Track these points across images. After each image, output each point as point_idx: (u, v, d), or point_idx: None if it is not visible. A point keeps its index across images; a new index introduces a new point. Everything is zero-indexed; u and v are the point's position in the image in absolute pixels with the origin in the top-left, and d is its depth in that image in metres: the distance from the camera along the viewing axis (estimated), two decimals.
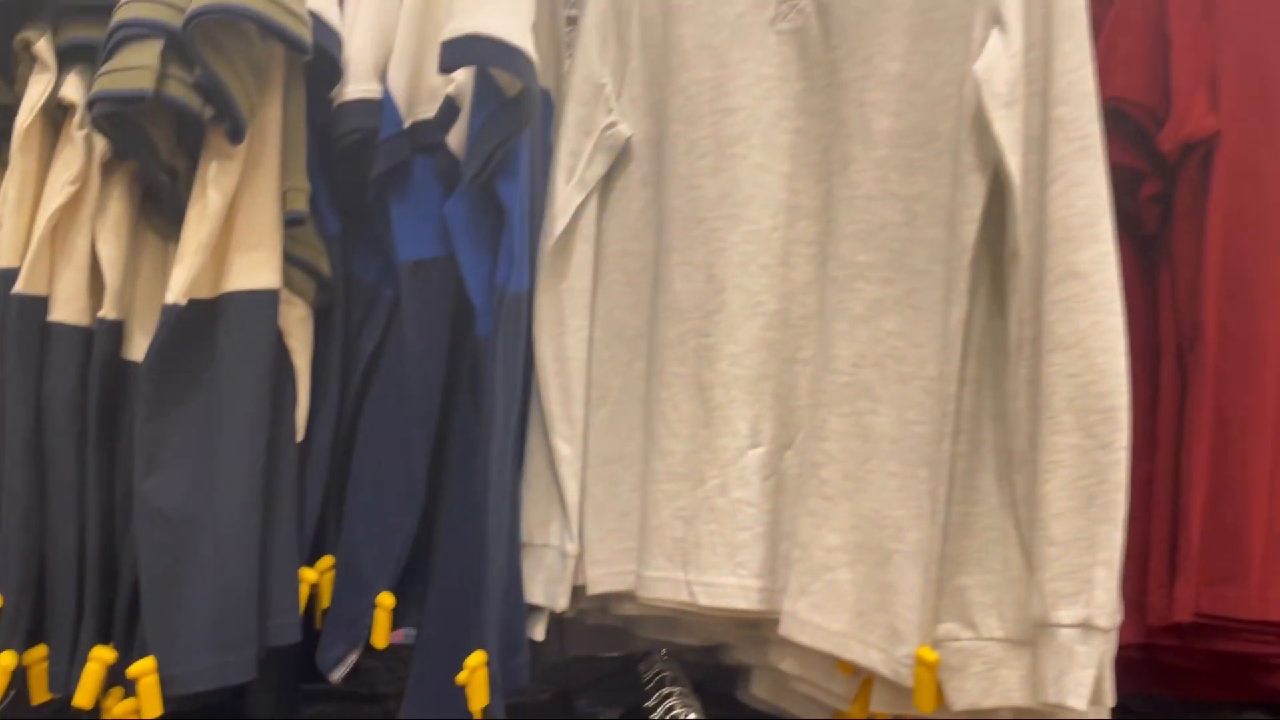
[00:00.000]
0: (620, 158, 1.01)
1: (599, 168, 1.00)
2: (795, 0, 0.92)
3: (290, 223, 0.87)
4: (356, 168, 0.94)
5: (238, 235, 0.85)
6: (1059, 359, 0.74)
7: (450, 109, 0.91)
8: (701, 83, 0.95)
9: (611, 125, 1.00)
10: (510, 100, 0.85)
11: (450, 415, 0.95)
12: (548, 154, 1.00)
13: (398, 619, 0.94)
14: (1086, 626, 0.70)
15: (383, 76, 0.93)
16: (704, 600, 0.87)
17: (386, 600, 0.91)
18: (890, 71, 0.87)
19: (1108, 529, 0.70)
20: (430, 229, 0.91)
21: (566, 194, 0.99)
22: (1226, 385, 0.92)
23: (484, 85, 0.86)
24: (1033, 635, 0.73)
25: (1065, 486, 0.72)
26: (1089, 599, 0.70)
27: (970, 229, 0.79)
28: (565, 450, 0.96)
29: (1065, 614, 0.71)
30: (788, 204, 0.91)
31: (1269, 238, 0.93)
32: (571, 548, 0.95)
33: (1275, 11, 0.95)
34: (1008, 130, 0.76)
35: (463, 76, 0.90)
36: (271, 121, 0.85)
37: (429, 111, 0.92)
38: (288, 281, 0.89)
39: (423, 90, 0.93)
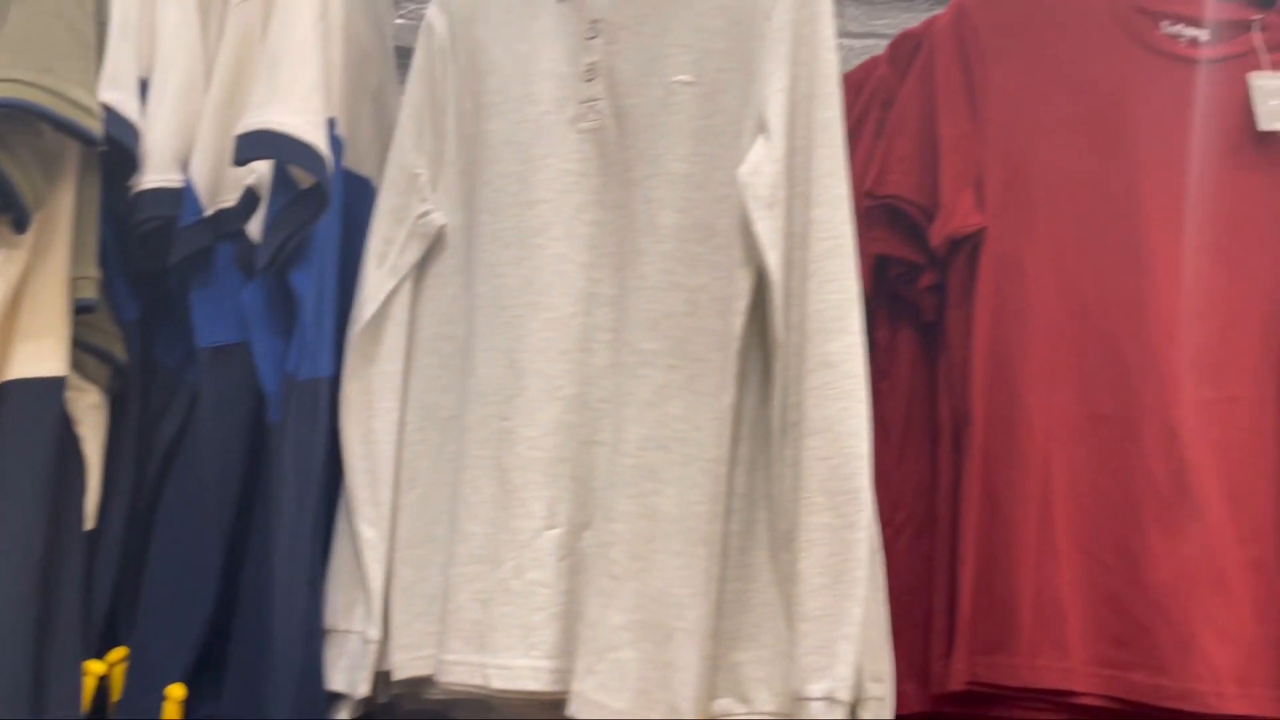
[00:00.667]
0: (435, 245, 1.04)
1: (412, 254, 1.02)
2: (594, 101, 0.97)
3: (80, 310, 0.86)
4: (158, 254, 0.95)
5: (22, 323, 0.84)
6: (813, 443, 0.78)
7: (250, 198, 0.92)
8: (507, 176, 0.99)
9: (425, 214, 1.03)
10: (303, 192, 0.87)
11: (251, 502, 0.94)
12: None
13: (191, 710, 0.92)
14: (830, 700, 0.74)
15: (186, 164, 0.94)
16: (497, 683, 0.88)
17: (176, 692, 0.89)
18: (675, 171, 0.92)
19: (849, 604, 0.75)
20: (230, 315, 0.92)
21: (377, 279, 1.01)
22: (994, 464, 0.99)
23: (280, 177, 0.88)
24: (794, 708, 0.77)
25: (818, 564, 0.76)
26: (834, 672, 0.74)
27: (738, 320, 0.84)
28: (369, 534, 0.97)
29: (815, 687, 0.74)
30: (587, 292, 0.95)
31: (1031, 326, 1.01)
32: (374, 633, 0.95)
33: (1034, 117, 1.04)
34: (768, 229, 0.82)
35: (264, 166, 0.92)
36: (62, 210, 0.86)
37: (232, 200, 0.94)
38: (80, 368, 0.88)
39: (227, 179, 0.95)
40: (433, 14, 1.07)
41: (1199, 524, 0.97)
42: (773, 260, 0.82)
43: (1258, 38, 1.06)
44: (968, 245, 1.02)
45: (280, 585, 0.86)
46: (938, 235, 1.01)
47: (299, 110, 0.85)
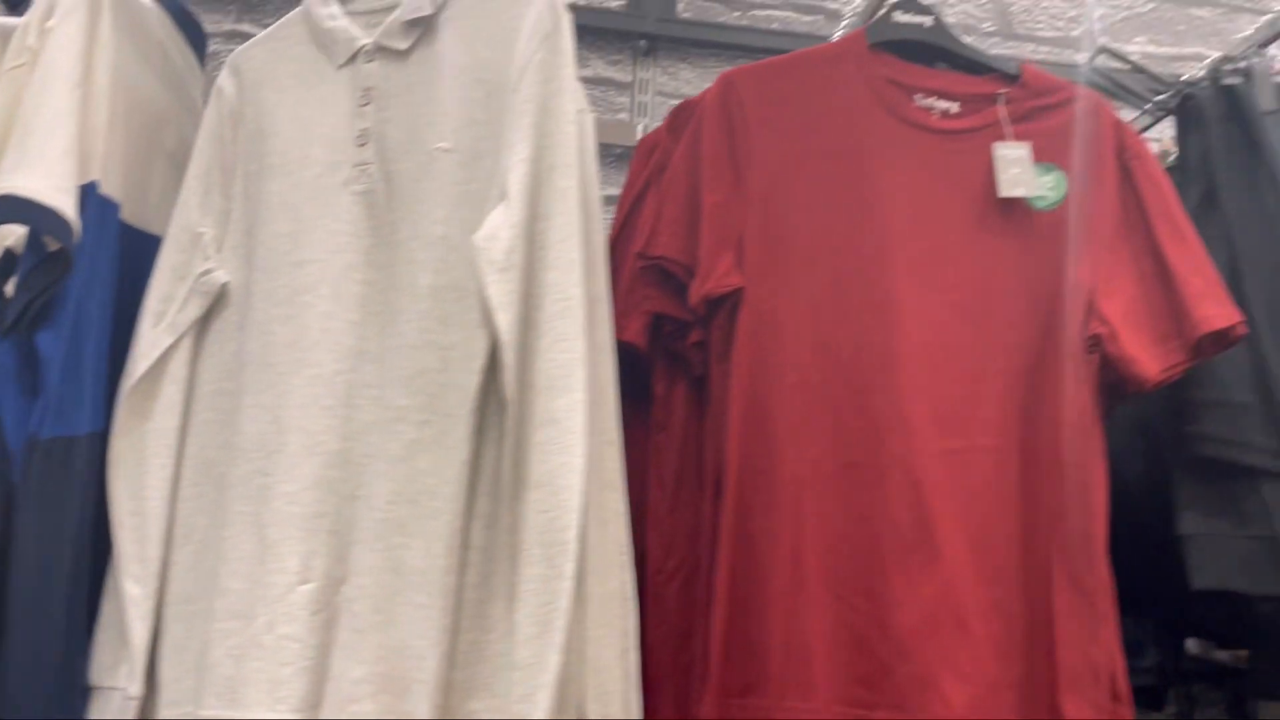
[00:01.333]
0: (219, 302, 1.05)
1: (193, 311, 1.04)
2: (366, 165, 1.01)
3: None
4: None
5: None
6: (533, 496, 0.82)
7: (9, 259, 0.93)
8: (281, 236, 1.01)
9: (207, 272, 1.04)
10: (51, 255, 0.89)
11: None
12: None
13: None
14: None
15: None
16: None
17: None
18: (433, 234, 0.96)
19: (552, 653, 0.78)
20: None
21: (152, 337, 1.02)
22: (748, 511, 1.03)
23: (33, 239, 0.90)
24: None
25: (531, 614, 0.79)
26: None
27: (476, 378, 0.87)
28: (135, 591, 0.97)
29: None
30: (355, 349, 0.97)
31: (787, 380, 1.06)
32: (135, 689, 0.95)
33: (794, 184, 1.10)
34: (499, 292, 0.86)
35: (22, 229, 0.93)
36: None
37: None
38: None
39: None
40: (224, 78, 1.10)
41: (939, 567, 1.02)
42: (503, 321, 0.86)
43: (1002, 110, 1.14)
44: (728, 304, 1.07)
45: (18, 646, 0.86)
46: (695, 295, 1.06)
47: (46, 175, 0.87)
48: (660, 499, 1.12)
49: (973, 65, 1.18)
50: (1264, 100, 1.19)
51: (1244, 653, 1.31)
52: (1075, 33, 1.91)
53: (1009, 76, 1.16)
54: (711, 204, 1.08)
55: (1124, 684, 1.01)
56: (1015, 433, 1.08)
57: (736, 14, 1.83)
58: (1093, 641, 1.01)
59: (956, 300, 1.10)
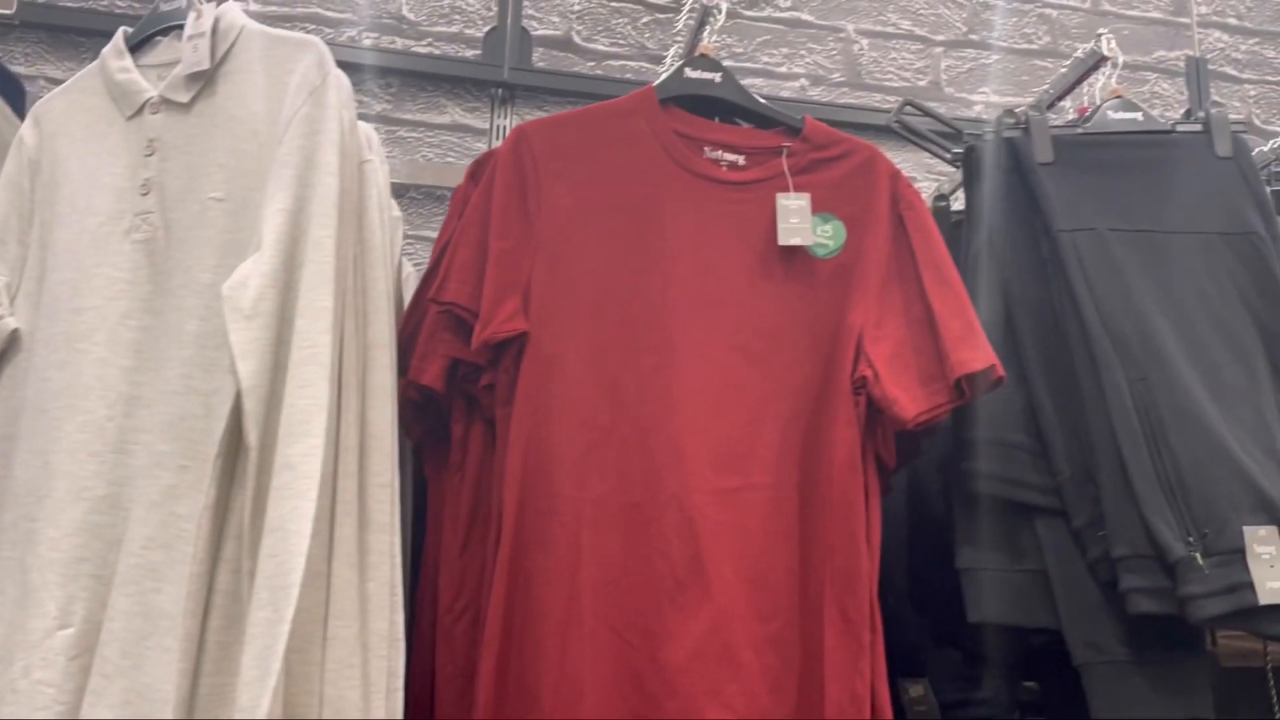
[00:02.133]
0: (10, 349, 1.07)
1: None
2: (148, 214, 1.03)
3: None
4: None
5: None
6: (268, 541, 0.84)
7: None
8: (63, 283, 1.03)
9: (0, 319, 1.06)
10: None
11: None
12: None
13: None
14: None
15: None
16: None
17: None
18: (202, 281, 0.98)
19: (265, 696, 0.79)
20: None
21: None
22: (525, 551, 1.06)
23: None
24: None
25: (254, 658, 0.81)
26: None
27: (220, 424, 0.89)
28: None
29: None
30: (128, 395, 0.99)
31: (571, 421, 1.09)
32: None
33: (583, 233, 1.14)
34: (244, 339, 0.88)
35: None
36: None
37: None
38: None
39: None
40: (26, 127, 1.13)
41: (710, 603, 1.05)
42: (244, 368, 0.88)
43: (785, 162, 1.19)
44: (513, 348, 1.11)
45: None
46: (476, 339, 1.09)
47: None
48: (453, 539, 1.14)
49: (761, 119, 1.23)
50: (1040, 153, 1.25)
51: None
52: (923, 83, 1.99)
53: (793, 130, 1.21)
54: (498, 250, 1.11)
55: (885, 713, 1.05)
56: (792, 471, 1.12)
57: (591, 64, 1.88)
58: (855, 673, 1.04)
59: (739, 343, 1.14)
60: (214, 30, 1.05)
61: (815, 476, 1.11)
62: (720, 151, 1.20)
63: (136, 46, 1.12)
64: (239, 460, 0.90)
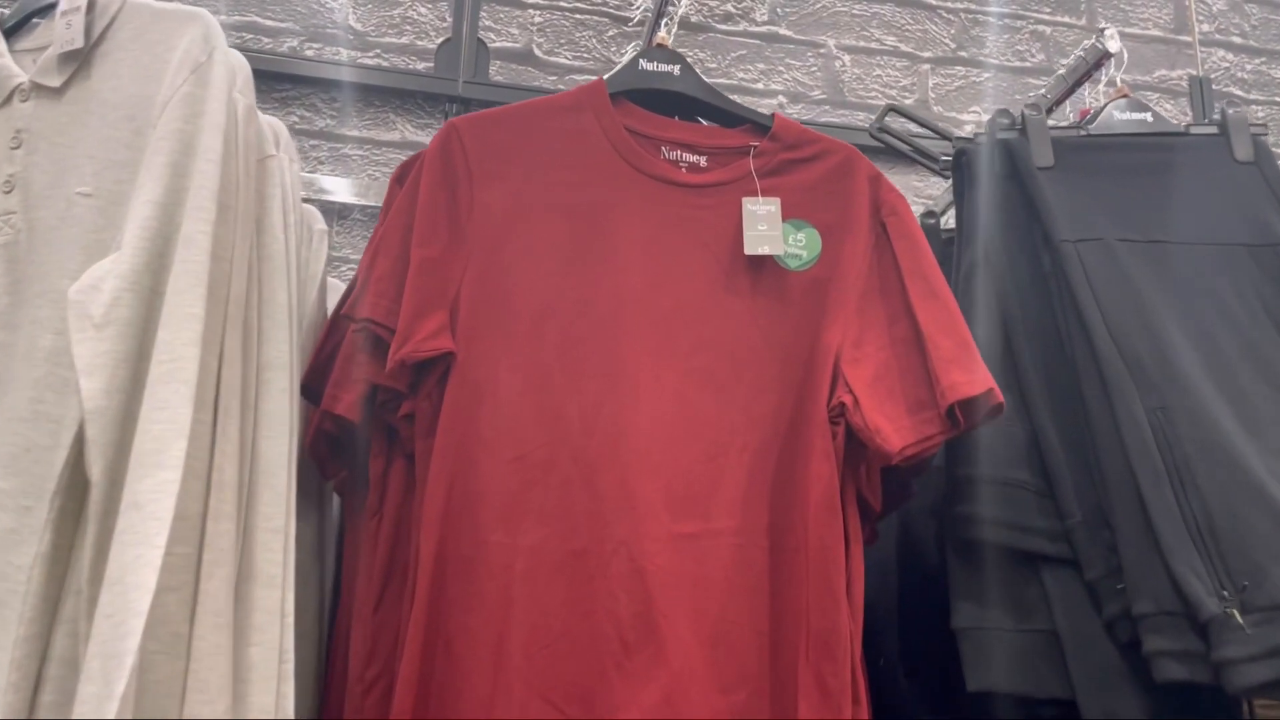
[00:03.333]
0: None
1: None
2: (10, 215, 0.89)
3: None
4: None
5: None
6: (105, 597, 0.68)
7: None
8: None
9: None
10: None
11: None
12: None
13: None
14: None
15: None
16: None
17: None
18: (62, 289, 0.83)
19: None
20: None
21: None
22: (448, 608, 0.90)
23: None
24: None
25: None
26: None
27: (61, 454, 0.74)
28: None
29: None
30: None
31: (503, 456, 0.94)
32: None
33: (521, 241, 1.00)
34: (91, 352, 0.73)
35: None
36: None
37: None
38: None
39: None
40: None
41: (663, 669, 0.89)
42: (89, 386, 0.73)
43: (753, 163, 1.05)
44: (438, 371, 0.96)
45: None
46: (391, 359, 0.94)
47: None
48: (367, 595, 0.98)
49: (725, 116, 1.09)
50: (1039, 156, 1.12)
51: None
52: (909, 100, 1.86)
53: (761, 128, 1.08)
54: (422, 259, 0.97)
55: None
56: (761, 514, 0.97)
57: (553, 77, 1.76)
58: None
59: (699, 367, 0.99)
60: (90, 5, 0.91)
61: (788, 520, 0.96)
62: (679, 151, 1.06)
63: (11, 31, 0.98)
64: (85, 498, 0.75)
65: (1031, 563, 1.01)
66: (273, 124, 1.00)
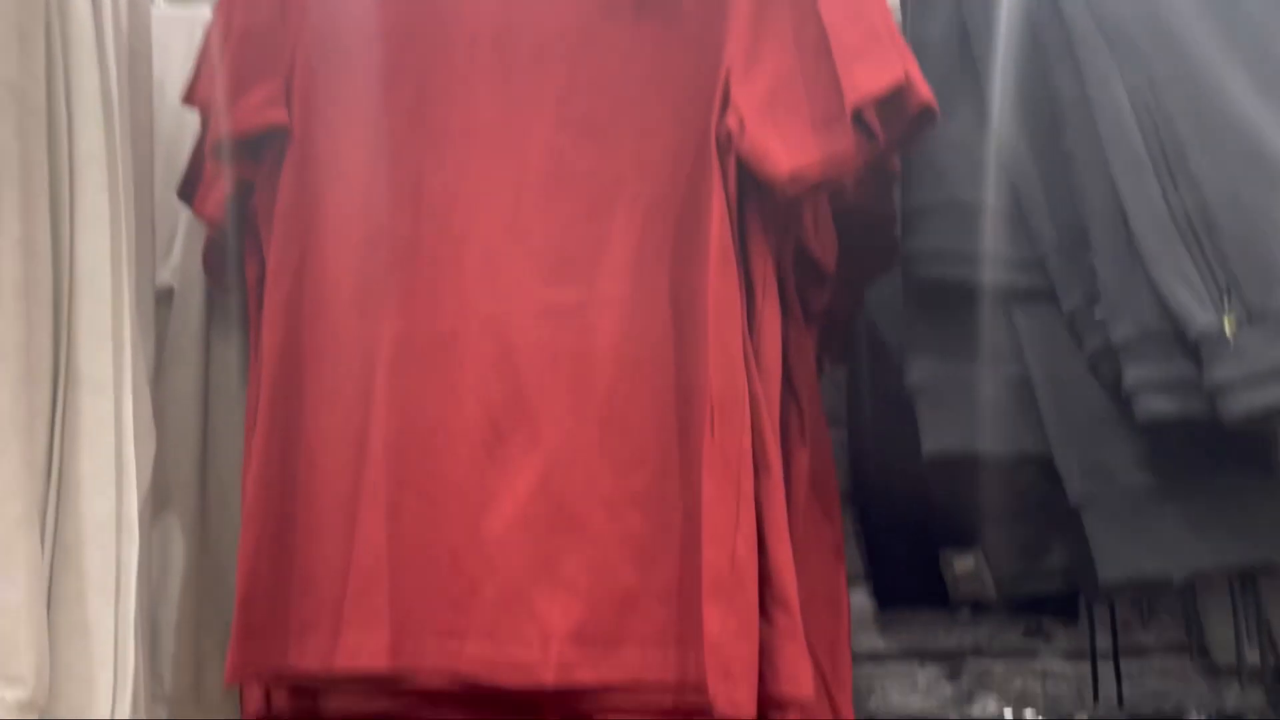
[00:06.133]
0: None
1: None
2: None
3: None
4: None
5: None
6: None
7: None
8: None
9: None
10: None
11: None
12: None
13: None
14: None
15: None
16: None
17: None
18: None
19: None
20: None
21: None
22: (295, 407, 0.82)
23: None
24: None
25: None
26: None
27: None
28: None
29: None
30: None
31: (350, 235, 0.84)
32: None
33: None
34: None
35: None
36: None
37: None
38: None
39: None
40: None
41: (537, 454, 0.79)
42: None
43: None
44: (274, 149, 0.85)
45: None
46: (210, 139, 0.84)
47: None
48: (249, 412, 0.91)
49: None
50: None
51: None
52: None
53: None
54: (245, 26, 0.85)
55: (786, 585, 0.76)
56: (659, 278, 0.83)
57: None
58: (735, 530, 0.75)
59: (575, 114, 0.84)
60: None
61: (691, 282, 0.82)
62: None
63: None
64: None
65: (1001, 303, 0.83)
66: None
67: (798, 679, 0.75)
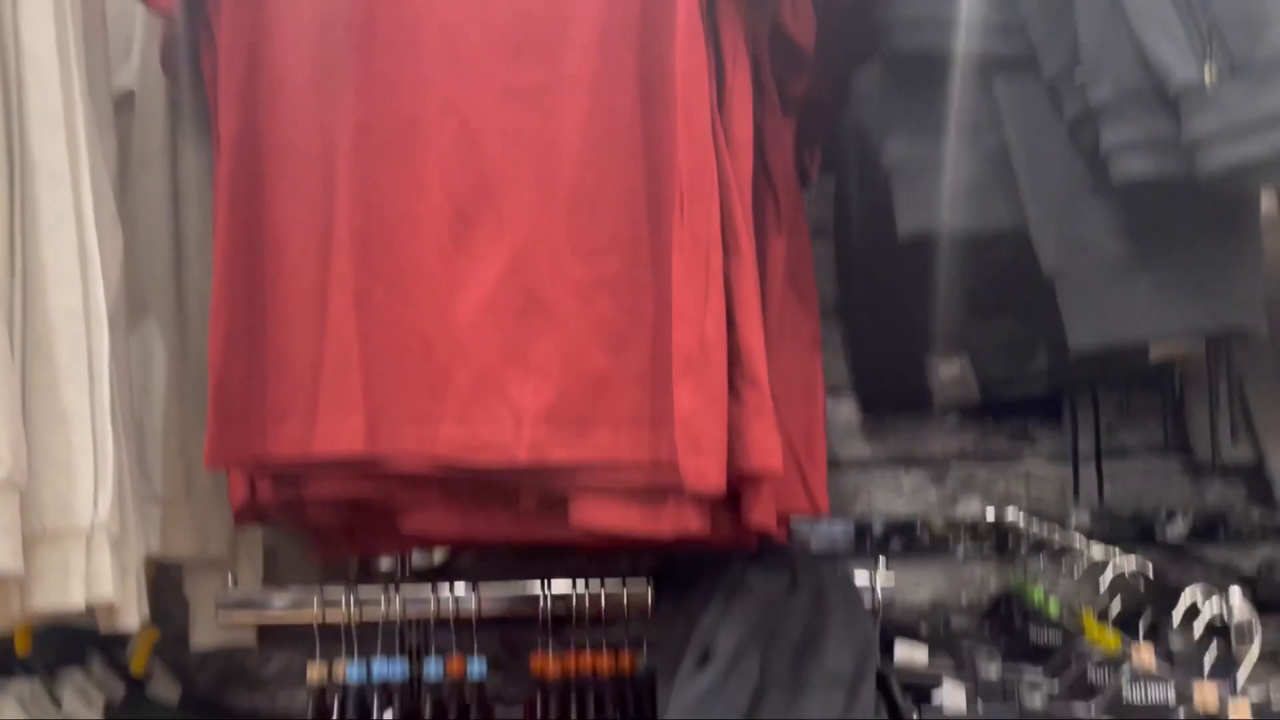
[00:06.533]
0: None
1: None
2: None
3: None
4: None
5: None
6: None
7: None
8: None
9: None
10: None
11: None
12: None
13: None
14: None
15: None
16: None
17: None
18: None
19: None
20: None
21: None
22: (261, 194, 0.81)
23: None
24: None
25: None
26: None
27: None
28: None
29: None
30: None
31: (304, 17, 0.80)
32: None
33: None
34: None
35: None
36: None
37: None
38: None
39: None
40: None
41: (505, 239, 0.78)
42: None
43: None
44: None
45: None
46: None
47: None
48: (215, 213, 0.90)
49: None
50: None
51: None
52: None
53: None
54: None
55: (756, 364, 0.76)
56: (627, 55, 0.79)
57: None
58: (704, 311, 0.75)
59: None
60: None
61: (661, 59, 0.78)
62: None
63: None
64: None
65: (981, 72, 0.80)
66: None
67: (767, 453, 0.75)
